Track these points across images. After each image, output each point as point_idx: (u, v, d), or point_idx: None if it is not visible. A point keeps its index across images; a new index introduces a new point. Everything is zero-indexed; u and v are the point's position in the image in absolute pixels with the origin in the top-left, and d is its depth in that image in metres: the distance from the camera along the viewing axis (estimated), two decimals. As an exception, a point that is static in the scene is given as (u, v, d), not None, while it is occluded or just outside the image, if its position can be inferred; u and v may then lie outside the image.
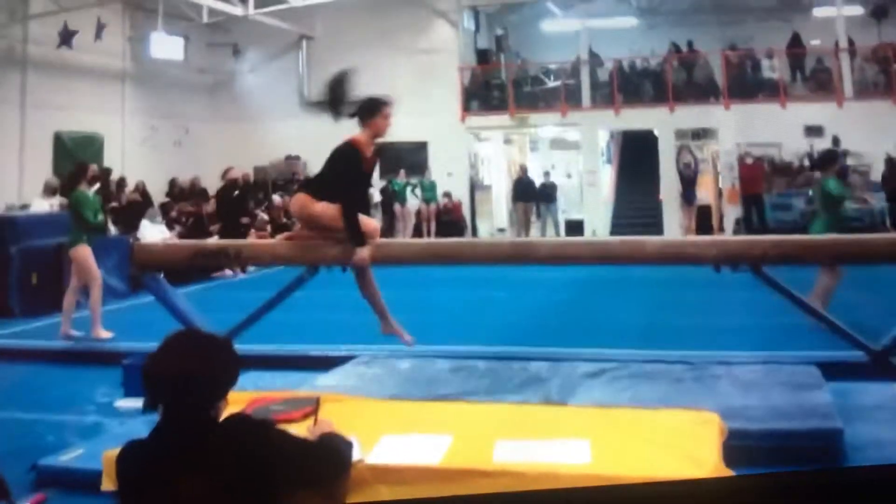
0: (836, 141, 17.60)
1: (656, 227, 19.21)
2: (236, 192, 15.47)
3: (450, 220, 19.89)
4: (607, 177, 22.03)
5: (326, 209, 5.38)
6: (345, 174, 5.41)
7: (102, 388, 6.94)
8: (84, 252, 8.84)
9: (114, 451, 2.59)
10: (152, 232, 13.20)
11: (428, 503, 3.43)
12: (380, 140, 5.58)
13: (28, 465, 4.83)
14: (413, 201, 19.52)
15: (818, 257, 5.35)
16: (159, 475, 2.34)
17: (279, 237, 6.10)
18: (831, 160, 9.05)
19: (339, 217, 5.36)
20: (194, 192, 17.23)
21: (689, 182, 18.50)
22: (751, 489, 1.99)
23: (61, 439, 5.56)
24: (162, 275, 6.51)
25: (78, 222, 8.88)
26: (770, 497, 1.89)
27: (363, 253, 5.36)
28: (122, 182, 16.67)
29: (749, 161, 18.61)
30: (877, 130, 18.09)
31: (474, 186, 21.13)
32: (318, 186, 5.57)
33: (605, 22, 22.42)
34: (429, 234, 18.62)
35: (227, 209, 15.03)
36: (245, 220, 15.20)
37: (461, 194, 20.49)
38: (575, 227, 20.37)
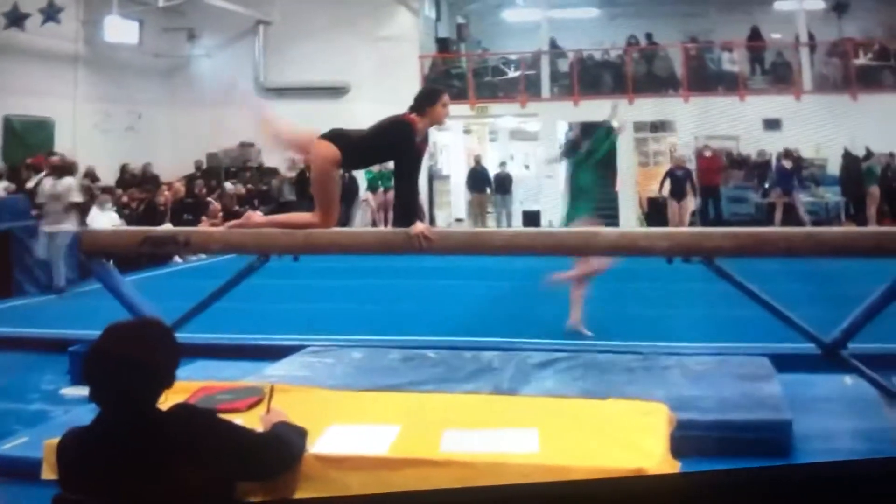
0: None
1: (613, 218, 19.27)
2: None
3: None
4: (564, 168, 22.02)
5: (336, 177, 5.38)
6: (408, 151, 5.30)
7: (48, 376, 6.86)
8: None
9: (54, 440, 2.55)
10: (102, 219, 12.98)
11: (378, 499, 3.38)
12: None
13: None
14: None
15: (771, 250, 5.37)
16: (101, 464, 2.32)
17: (227, 225, 5.96)
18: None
19: (333, 191, 5.39)
20: (146, 178, 17.01)
21: (681, 180, 18.36)
22: (702, 485, 1.95)
23: (5, 427, 5.48)
24: (111, 262, 6.42)
25: None
26: (721, 494, 1.87)
27: (419, 227, 5.25)
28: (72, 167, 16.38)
29: (707, 154, 18.71)
30: (834, 125, 18.31)
31: (433, 176, 21.07)
32: (354, 147, 5.34)
33: (567, 13, 22.49)
34: (385, 223, 18.52)
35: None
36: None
37: (420, 183, 20.38)
38: (532, 218, 20.39)
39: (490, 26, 23.92)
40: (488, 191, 19.92)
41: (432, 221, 20.05)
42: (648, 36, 21.01)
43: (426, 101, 5.39)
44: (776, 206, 17.46)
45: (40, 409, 6.14)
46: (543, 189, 20.73)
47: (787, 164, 17.77)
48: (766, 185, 18.11)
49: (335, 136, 5.30)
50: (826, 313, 6.11)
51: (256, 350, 7.16)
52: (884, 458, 2.00)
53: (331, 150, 5.25)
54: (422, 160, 5.64)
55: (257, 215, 6.04)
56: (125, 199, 15.43)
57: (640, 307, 9.05)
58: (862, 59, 19.56)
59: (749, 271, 5.54)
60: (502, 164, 20.44)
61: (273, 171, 20.64)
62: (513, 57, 21.46)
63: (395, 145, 5.28)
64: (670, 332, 7.59)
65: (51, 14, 16.51)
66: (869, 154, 17.46)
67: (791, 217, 16.90)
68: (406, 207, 5.41)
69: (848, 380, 5.77)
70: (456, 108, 20.56)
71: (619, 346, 6.87)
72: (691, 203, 17.72)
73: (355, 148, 5.33)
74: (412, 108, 5.36)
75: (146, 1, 18.28)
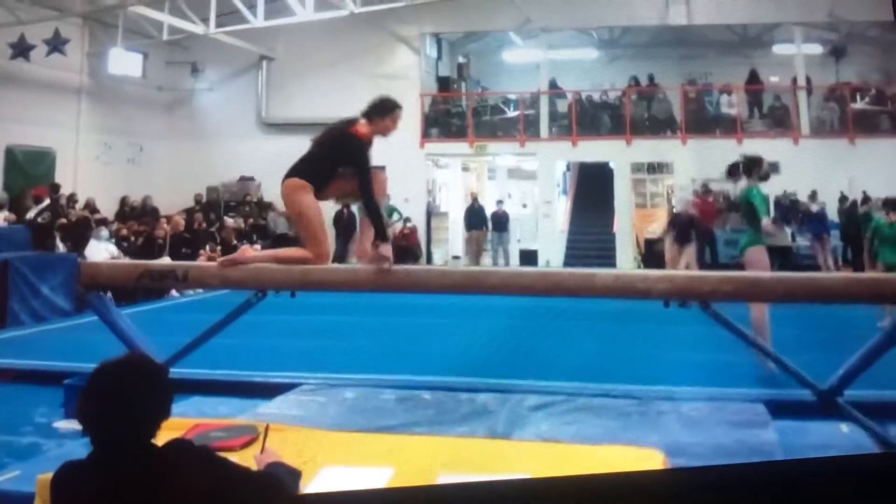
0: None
1: (610, 259, 19.31)
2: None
3: (405, 246, 19.82)
4: (562, 207, 22.13)
5: (312, 204, 5.39)
6: (365, 165, 5.40)
7: (42, 408, 6.79)
8: None
9: (48, 475, 2.53)
10: (100, 250, 12.98)
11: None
12: None
13: (-40, 488, 4.68)
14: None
15: (767, 294, 5.36)
16: (95, 500, 2.31)
17: (220, 260, 5.96)
18: (755, 165, 8.66)
19: (315, 218, 5.42)
20: (145, 211, 17.03)
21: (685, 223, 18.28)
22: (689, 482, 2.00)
23: (-3, 460, 5.40)
24: (109, 294, 6.41)
25: None
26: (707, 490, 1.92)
27: (387, 251, 5.37)
28: (72, 198, 16.42)
29: (709, 198, 18.66)
30: (832, 169, 18.38)
31: (431, 213, 21.11)
32: (311, 169, 5.45)
33: (566, 54, 22.66)
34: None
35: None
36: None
37: (418, 220, 20.47)
38: (530, 257, 20.40)
39: (490, 66, 24.09)
40: (485, 229, 19.90)
41: (429, 259, 20.11)
42: (650, 77, 21.15)
43: (380, 112, 5.56)
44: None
45: (33, 442, 6.04)
46: (541, 228, 20.77)
47: (815, 207, 17.83)
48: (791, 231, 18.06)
49: (292, 171, 5.45)
50: (823, 358, 6.05)
51: (251, 387, 7.09)
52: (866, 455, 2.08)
53: (295, 182, 5.39)
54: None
55: (251, 250, 6.07)
56: (124, 231, 15.44)
57: (635, 350, 8.97)
58: (859, 104, 19.69)
59: (747, 314, 5.52)
60: (499, 202, 20.44)
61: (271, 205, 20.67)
62: (512, 96, 21.58)
63: (353, 159, 5.41)
64: (666, 376, 7.49)
65: (56, 45, 16.63)
66: (866, 198, 17.50)
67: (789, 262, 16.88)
68: (377, 216, 5.45)
69: (844, 427, 5.72)
70: (455, 146, 20.88)
71: (614, 389, 6.79)
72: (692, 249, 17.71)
73: (313, 169, 5.44)
74: (365, 114, 5.56)
75: (150, 34, 18.41)
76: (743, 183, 8.75)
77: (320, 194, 5.49)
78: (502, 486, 2.33)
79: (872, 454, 5.03)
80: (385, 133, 5.60)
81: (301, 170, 5.45)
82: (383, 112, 5.56)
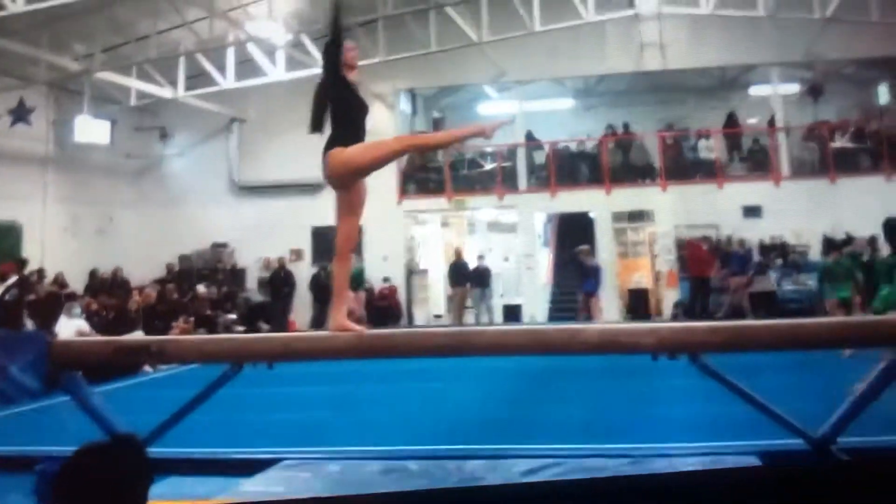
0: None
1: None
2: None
3: (385, 307, 19.46)
4: (545, 260, 21.88)
5: (358, 148, 5.29)
6: (347, 99, 5.39)
7: (13, 496, 6.41)
8: None
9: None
10: (70, 326, 12.55)
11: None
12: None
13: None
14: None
15: (756, 344, 5.22)
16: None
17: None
18: None
19: (380, 145, 5.36)
20: (116, 283, 16.61)
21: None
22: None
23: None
24: (80, 373, 6.13)
25: None
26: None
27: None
28: (40, 273, 16.01)
29: (702, 245, 18.47)
30: (814, 210, 18.31)
31: (411, 271, 20.80)
32: (341, 134, 5.33)
33: (542, 104, 22.75)
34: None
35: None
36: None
37: (397, 279, 20.15)
38: (513, 313, 20.10)
39: (466, 119, 23.96)
40: (468, 285, 19.52)
41: (411, 319, 19.73)
42: (626, 125, 21.09)
43: (334, 53, 5.48)
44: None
45: (4, 534, 5.71)
46: (524, 282, 20.51)
47: (735, 247, 18.37)
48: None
49: (328, 145, 5.32)
50: (816, 406, 5.99)
51: (231, 464, 6.81)
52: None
53: (336, 153, 5.28)
54: (364, 109, 5.54)
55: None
56: (94, 305, 14.98)
57: (626, 405, 8.73)
58: (838, 142, 19.65)
59: (736, 363, 5.40)
60: (481, 256, 20.12)
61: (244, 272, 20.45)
62: (489, 149, 21.46)
63: (338, 96, 5.39)
64: (659, 432, 7.27)
65: (21, 115, 16.37)
66: (849, 239, 17.32)
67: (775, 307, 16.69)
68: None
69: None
70: (433, 202, 20.62)
71: (607, 449, 6.56)
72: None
73: (340, 134, 5.32)
74: (324, 67, 5.56)
75: (118, 100, 18.18)
76: None
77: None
78: (506, 490, 2.27)
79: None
80: (353, 64, 5.51)
81: (333, 140, 5.33)
82: (336, 51, 5.49)
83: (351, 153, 5.23)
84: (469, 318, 19.40)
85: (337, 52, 5.41)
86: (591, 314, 16.42)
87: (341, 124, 5.33)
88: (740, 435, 6.52)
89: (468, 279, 19.28)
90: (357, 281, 18.64)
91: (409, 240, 21.25)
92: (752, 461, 5.80)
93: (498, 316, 20.00)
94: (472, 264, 19.58)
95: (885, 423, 5.85)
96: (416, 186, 21.09)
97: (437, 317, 20.82)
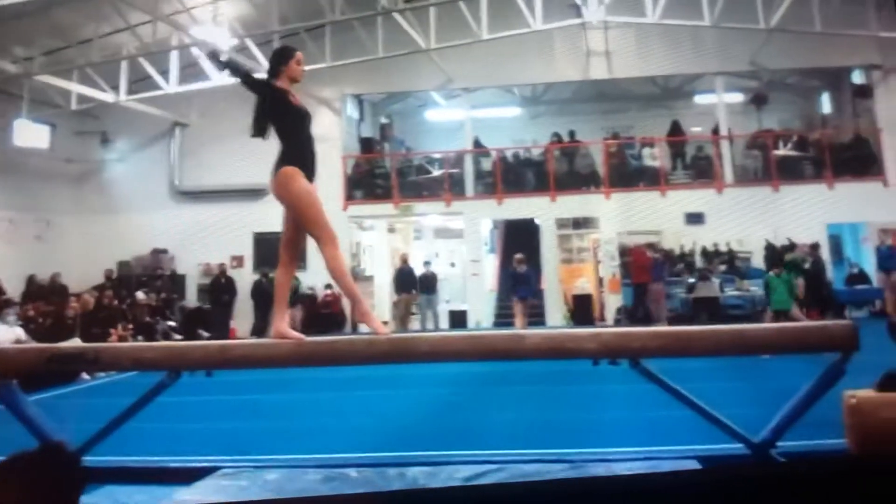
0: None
1: (539, 316, 19.09)
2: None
3: (328, 314, 19.33)
4: (491, 266, 21.91)
5: (311, 189, 5.22)
6: (286, 112, 5.32)
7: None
8: None
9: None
10: (6, 334, 12.26)
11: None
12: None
13: None
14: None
15: (698, 350, 5.23)
16: None
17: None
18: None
19: (318, 203, 5.24)
20: (54, 290, 16.27)
21: None
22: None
23: None
24: (15, 382, 5.98)
25: None
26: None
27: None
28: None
29: (646, 251, 18.61)
30: (757, 217, 18.57)
31: (356, 277, 20.58)
32: (291, 152, 5.27)
33: (490, 112, 22.82)
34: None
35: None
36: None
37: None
38: (459, 319, 20.09)
39: (414, 126, 24.05)
40: (414, 291, 19.45)
41: (354, 326, 19.62)
42: (571, 133, 21.22)
43: (280, 62, 5.47)
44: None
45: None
46: (469, 288, 20.51)
47: (651, 253, 18.65)
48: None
49: (279, 163, 5.23)
50: (756, 410, 5.95)
51: (168, 473, 6.67)
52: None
53: (287, 171, 5.18)
54: (308, 116, 5.51)
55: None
56: (31, 312, 14.65)
57: (568, 411, 8.77)
58: (782, 151, 19.98)
59: (677, 368, 5.45)
60: (427, 262, 20.04)
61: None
62: (436, 156, 21.51)
63: (274, 106, 5.32)
64: (599, 437, 7.33)
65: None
66: (791, 245, 17.63)
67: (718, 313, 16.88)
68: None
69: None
70: (380, 208, 20.54)
71: (547, 454, 6.54)
72: None
73: (290, 151, 5.26)
74: (269, 73, 5.47)
75: (58, 104, 17.83)
76: None
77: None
78: (500, 489, 2.35)
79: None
80: (297, 78, 5.50)
81: (283, 158, 5.24)
82: (283, 61, 5.47)
83: (297, 192, 5.15)
84: (415, 324, 19.32)
85: (264, 86, 5.39)
86: (519, 318, 16.47)
87: (286, 137, 5.27)
88: (681, 439, 6.55)
89: (414, 285, 19.22)
90: (291, 298, 18.51)
91: (354, 246, 21.13)
92: (693, 465, 5.82)
93: (444, 322, 19.97)
94: (418, 271, 19.53)
95: (822, 426, 5.90)
96: (363, 192, 20.98)
97: (384, 323, 20.63)
